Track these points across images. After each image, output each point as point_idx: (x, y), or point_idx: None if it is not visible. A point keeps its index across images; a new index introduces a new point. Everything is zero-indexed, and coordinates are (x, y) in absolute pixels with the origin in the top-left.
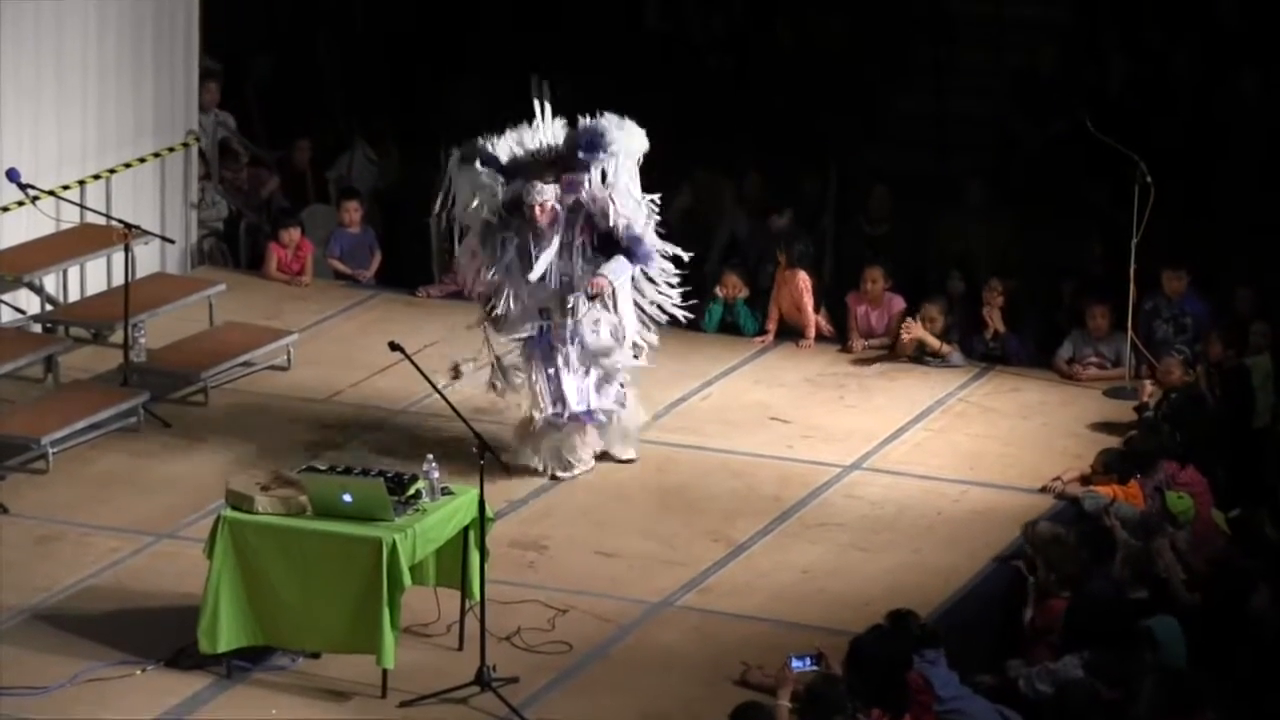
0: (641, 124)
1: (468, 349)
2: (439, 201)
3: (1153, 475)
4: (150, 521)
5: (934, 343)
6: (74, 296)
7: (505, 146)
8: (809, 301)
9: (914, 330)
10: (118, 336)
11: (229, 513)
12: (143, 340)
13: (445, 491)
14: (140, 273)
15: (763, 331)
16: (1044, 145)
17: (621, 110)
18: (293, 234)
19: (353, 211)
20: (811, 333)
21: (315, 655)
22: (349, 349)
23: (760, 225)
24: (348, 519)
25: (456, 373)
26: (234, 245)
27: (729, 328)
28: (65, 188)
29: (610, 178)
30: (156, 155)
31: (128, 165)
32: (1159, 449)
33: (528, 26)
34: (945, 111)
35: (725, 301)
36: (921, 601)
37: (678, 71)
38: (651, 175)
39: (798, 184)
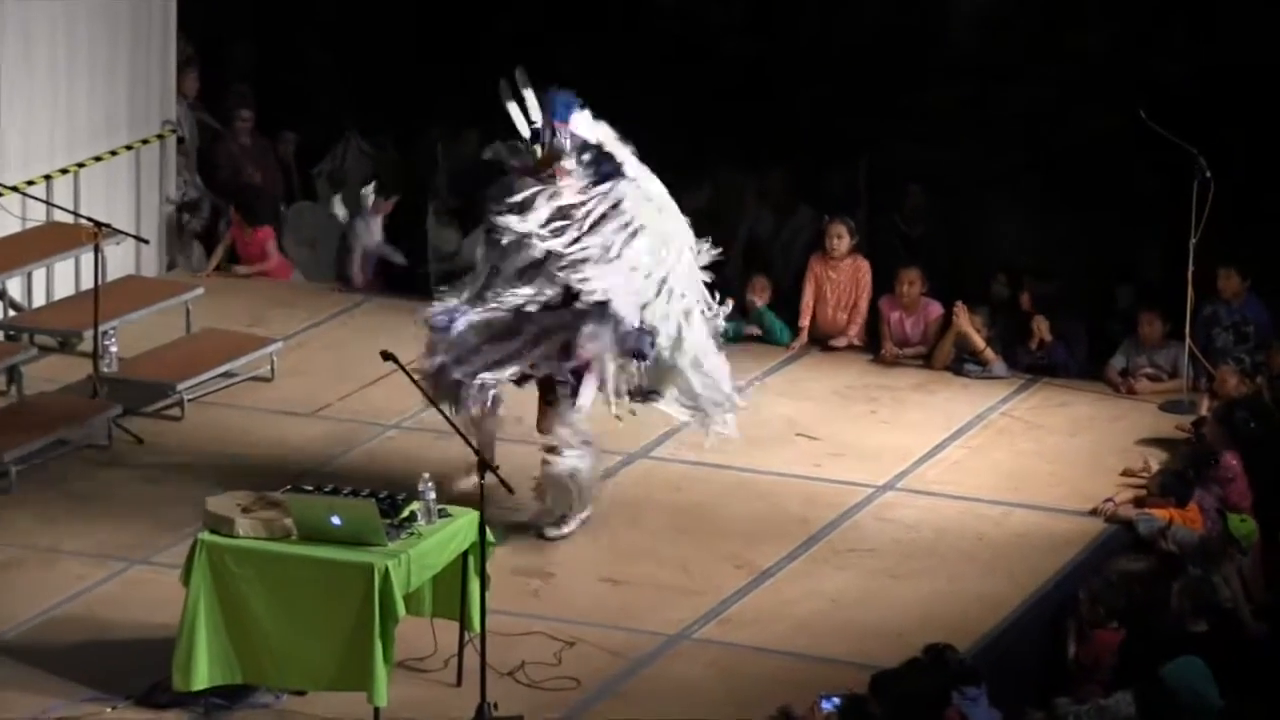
0: (652, 116)
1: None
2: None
3: (1213, 475)
4: (121, 546)
5: (978, 342)
6: (39, 301)
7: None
8: (868, 296)
9: (963, 316)
10: (87, 345)
11: (207, 536)
12: (114, 349)
13: (442, 514)
14: (111, 275)
15: (796, 334)
16: (1095, 138)
17: (631, 101)
18: (255, 235)
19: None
20: (855, 331)
21: (300, 693)
22: (338, 359)
23: (784, 224)
24: (336, 543)
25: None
26: (215, 245)
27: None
28: (30, 183)
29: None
30: (130, 148)
31: (99, 158)
32: (1230, 436)
33: (532, 13)
34: (988, 100)
35: (745, 309)
36: (960, 633)
37: (693, 59)
38: (667, 171)
39: (824, 180)
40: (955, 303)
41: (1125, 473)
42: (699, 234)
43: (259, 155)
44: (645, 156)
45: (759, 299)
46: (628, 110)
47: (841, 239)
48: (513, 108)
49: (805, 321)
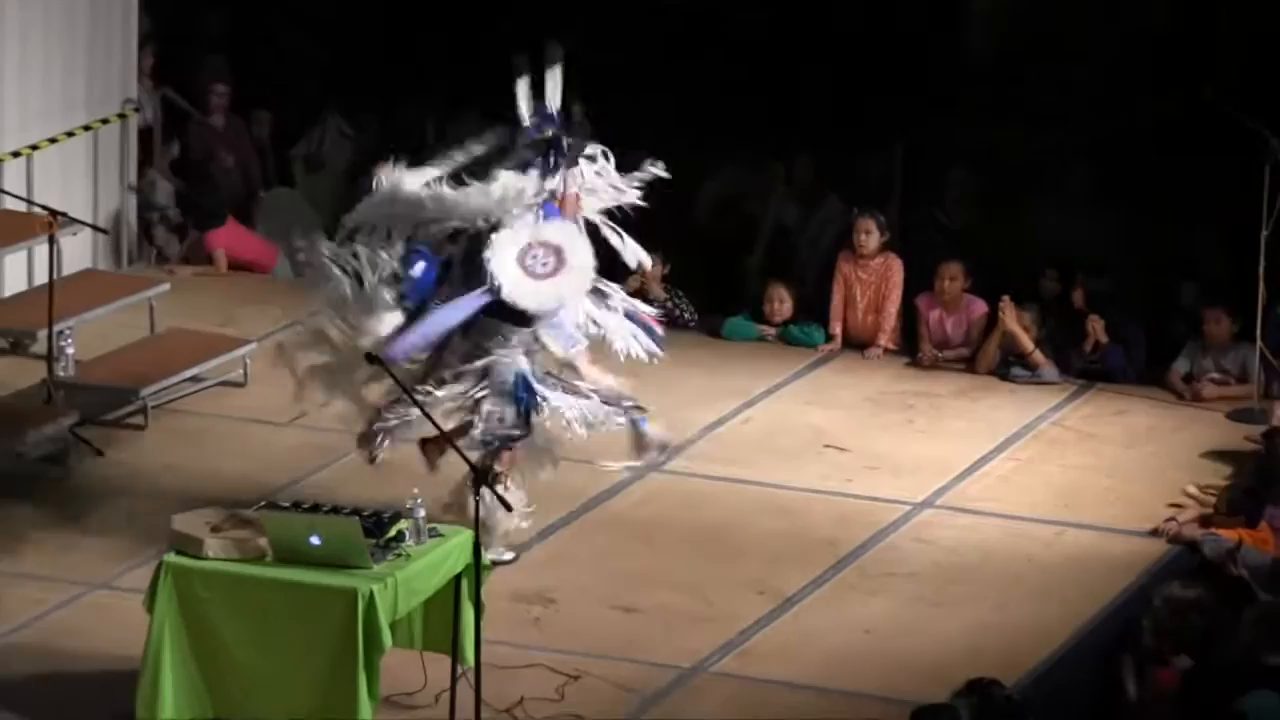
0: (664, 94)
1: None
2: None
3: None
4: (80, 568)
5: (1026, 343)
6: None
7: None
8: (897, 298)
9: (1009, 314)
10: (41, 346)
11: (173, 558)
12: (70, 351)
13: (433, 533)
14: (68, 269)
15: (827, 342)
16: (1158, 120)
17: (643, 78)
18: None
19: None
20: (886, 340)
21: None
22: None
23: (811, 215)
24: (315, 566)
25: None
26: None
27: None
28: None
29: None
30: (88, 129)
31: (54, 140)
32: None
33: None
34: (1037, 79)
35: (766, 319)
36: (1007, 667)
37: (709, 32)
38: (679, 156)
39: (857, 166)
40: (1001, 299)
41: (1189, 489)
42: (716, 224)
43: (234, 137)
44: (658, 140)
45: (779, 314)
46: (638, 87)
47: (870, 235)
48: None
49: (837, 329)
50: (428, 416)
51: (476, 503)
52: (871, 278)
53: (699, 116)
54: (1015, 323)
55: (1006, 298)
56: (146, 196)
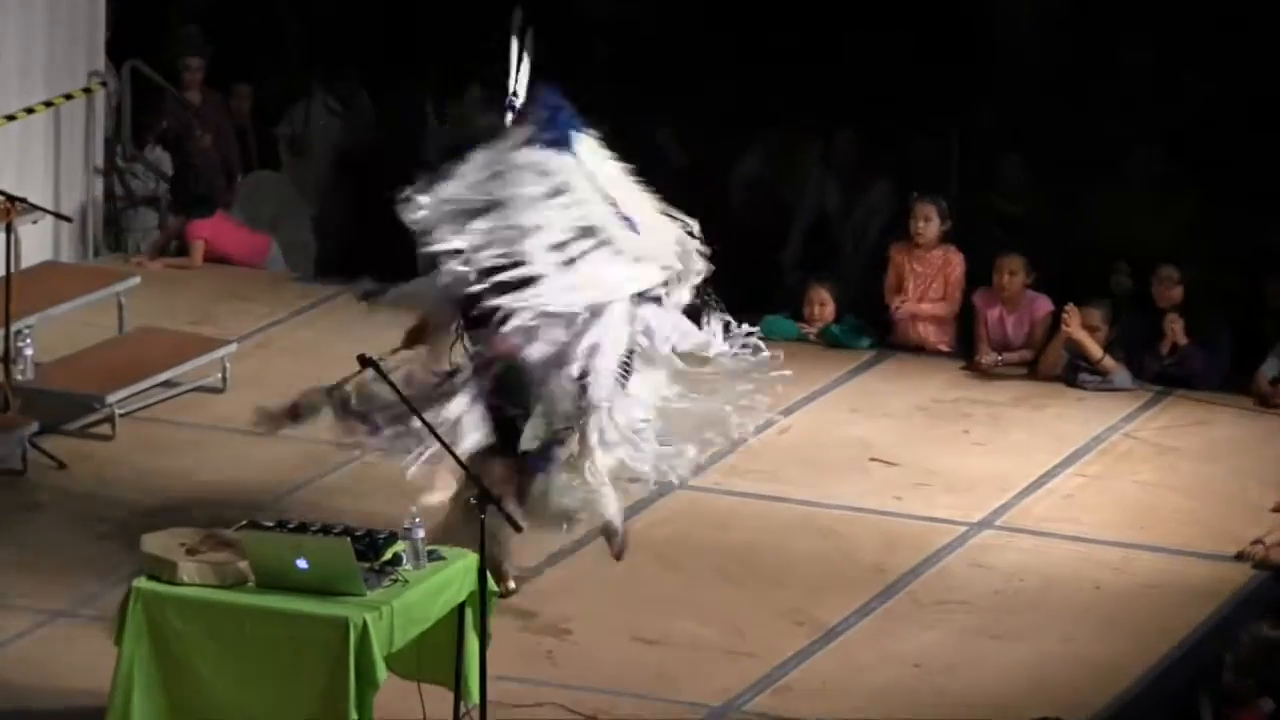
0: (692, 67)
1: None
2: None
3: None
4: (40, 595)
5: (1095, 350)
6: None
7: None
8: (958, 297)
9: (1074, 322)
10: None
11: (144, 584)
12: (29, 352)
13: (433, 556)
14: (26, 261)
15: (875, 344)
16: (1240, 97)
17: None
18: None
19: None
20: (943, 339)
21: None
22: (304, 364)
23: (856, 200)
24: (302, 593)
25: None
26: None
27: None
28: None
29: None
30: (49, 104)
31: (10, 118)
32: None
33: None
34: (1105, 55)
35: (806, 318)
36: (1073, 706)
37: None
38: (712, 134)
39: (906, 147)
40: (1065, 307)
41: (1278, 507)
42: (751, 207)
43: (211, 114)
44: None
45: (820, 318)
46: (668, 54)
47: (929, 222)
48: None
49: (896, 302)
50: (430, 429)
51: (482, 523)
52: (928, 271)
53: (730, 87)
54: (1080, 330)
55: (1071, 306)
56: (128, 174)
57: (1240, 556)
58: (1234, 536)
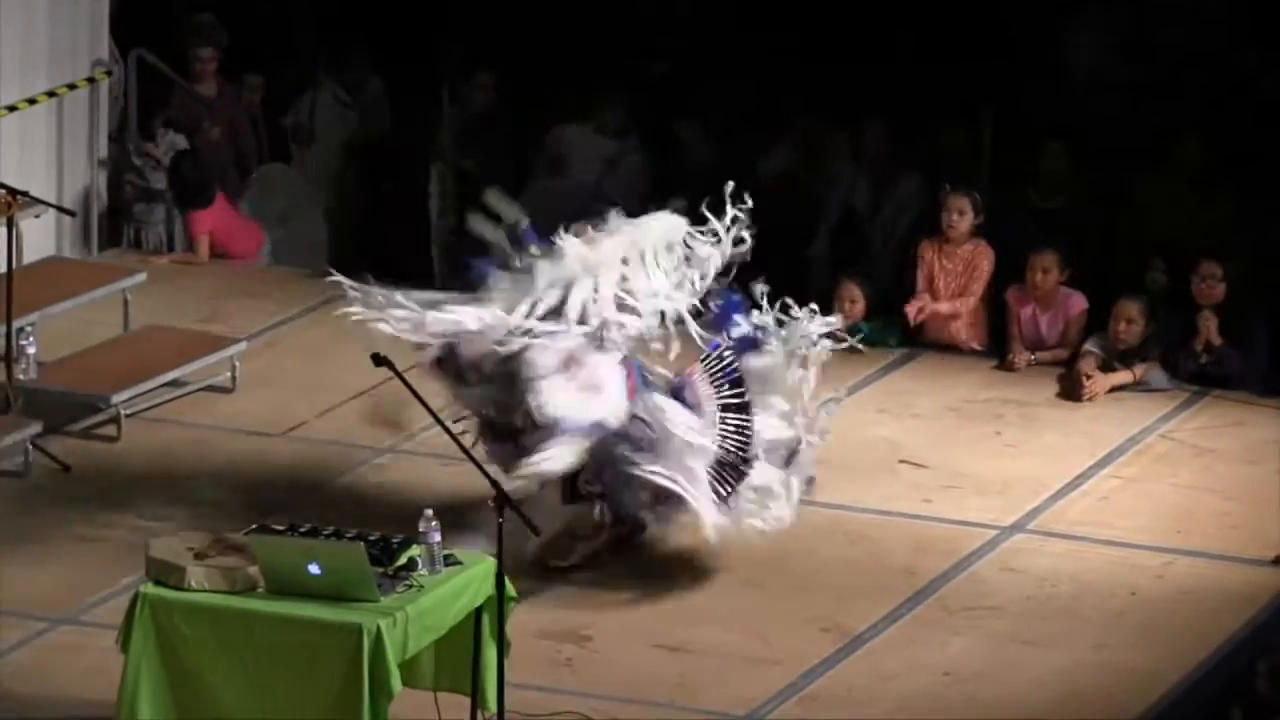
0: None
1: None
2: None
3: None
4: (44, 600)
5: (1127, 377)
6: None
7: None
8: (979, 290)
9: (1097, 386)
10: None
11: (151, 589)
12: (32, 351)
13: (449, 560)
14: (29, 256)
15: (905, 343)
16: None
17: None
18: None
19: None
20: (965, 330)
21: None
22: (316, 364)
23: (886, 195)
24: (315, 599)
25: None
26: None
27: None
28: None
29: None
30: (51, 95)
31: (12, 108)
32: None
33: None
34: (1145, 42)
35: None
36: (1108, 714)
37: None
38: (737, 127)
39: (937, 138)
40: (1084, 360)
41: None
42: (778, 203)
43: (224, 107)
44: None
45: (850, 315)
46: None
47: (963, 216)
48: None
49: (922, 300)
50: (453, 437)
51: (500, 526)
52: (958, 267)
53: (755, 83)
54: (1101, 387)
55: (1088, 362)
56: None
57: (1277, 561)
58: (1274, 540)
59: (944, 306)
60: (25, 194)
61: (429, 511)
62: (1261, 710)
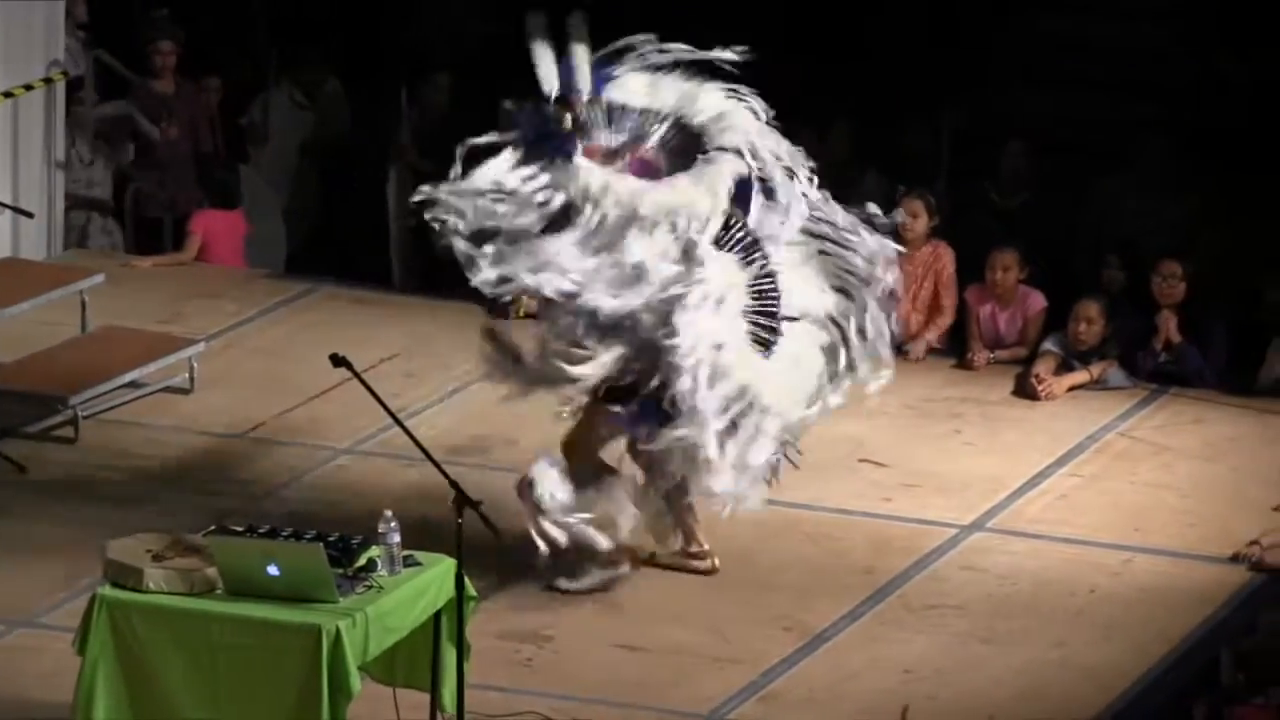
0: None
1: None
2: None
3: None
4: (1, 604)
5: (1083, 378)
6: None
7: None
8: (954, 293)
9: (1054, 388)
10: None
11: (108, 591)
12: None
13: (409, 561)
14: None
15: None
16: (1249, 86)
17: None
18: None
19: None
20: (935, 335)
21: None
22: (274, 364)
23: (847, 194)
24: (273, 600)
25: None
26: (122, 219)
27: None
28: None
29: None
30: (8, 95)
31: None
32: None
33: None
34: (1107, 38)
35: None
36: (1068, 711)
37: None
38: None
39: (898, 136)
40: (1041, 360)
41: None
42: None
43: (183, 105)
44: None
45: None
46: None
47: (917, 219)
48: (545, 56)
49: (983, 353)
50: (411, 438)
51: (458, 526)
52: (918, 269)
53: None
54: (1059, 389)
55: (1044, 366)
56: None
57: (1236, 559)
58: (1232, 538)
59: (932, 336)
60: None
61: (388, 512)
62: (1228, 701)
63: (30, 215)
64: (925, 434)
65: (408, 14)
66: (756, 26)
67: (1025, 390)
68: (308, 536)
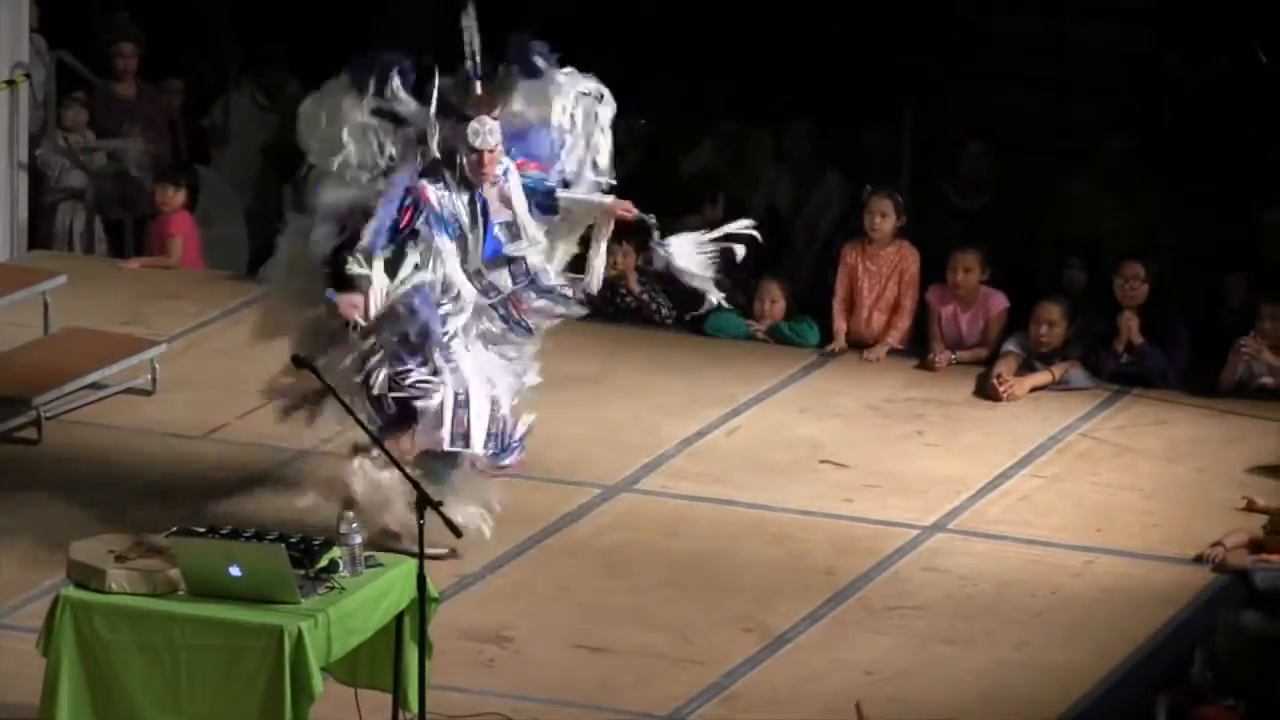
0: (639, 58)
1: None
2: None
3: None
4: None
5: (1045, 379)
6: None
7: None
8: (916, 294)
9: (1015, 390)
10: None
11: (71, 592)
12: None
13: (371, 562)
14: None
15: (825, 342)
16: (1201, 87)
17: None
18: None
19: None
20: (897, 337)
21: None
22: (236, 365)
23: (809, 194)
24: (235, 600)
25: None
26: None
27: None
28: None
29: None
30: None
31: None
32: None
33: None
34: (1066, 40)
35: (756, 316)
36: (1030, 712)
37: None
38: (662, 124)
39: (859, 137)
40: (1003, 362)
41: (1252, 506)
42: (695, 204)
43: (146, 108)
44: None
45: (771, 314)
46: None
47: (885, 219)
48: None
49: (842, 324)
50: (358, 422)
51: (420, 526)
52: (882, 269)
53: (678, 78)
54: (1021, 390)
55: (1003, 372)
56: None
57: (1200, 559)
58: (1195, 538)
59: (893, 339)
60: None
61: (350, 513)
62: (1193, 700)
63: None
64: (887, 435)
65: (368, 14)
66: (718, 25)
67: (987, 391)
68: (270, 537)
